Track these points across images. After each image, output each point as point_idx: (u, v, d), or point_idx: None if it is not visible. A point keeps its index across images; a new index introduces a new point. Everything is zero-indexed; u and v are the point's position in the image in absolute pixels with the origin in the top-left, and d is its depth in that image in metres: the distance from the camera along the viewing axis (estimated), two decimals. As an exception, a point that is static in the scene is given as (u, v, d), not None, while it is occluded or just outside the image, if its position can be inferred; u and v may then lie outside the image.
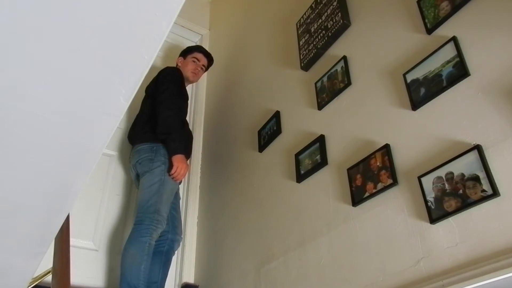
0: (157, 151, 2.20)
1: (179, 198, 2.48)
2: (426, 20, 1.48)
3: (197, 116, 2.97)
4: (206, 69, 2.80)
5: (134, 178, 2.32)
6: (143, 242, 1.98)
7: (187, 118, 2.69)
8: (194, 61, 2.66)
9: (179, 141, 2.22)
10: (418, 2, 1.54)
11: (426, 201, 1.26)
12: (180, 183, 2.37)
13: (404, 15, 1.61)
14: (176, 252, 2.30)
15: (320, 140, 1.78)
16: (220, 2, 3.53)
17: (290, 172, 1.91)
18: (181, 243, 2.35)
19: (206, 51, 2.78)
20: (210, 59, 2.77)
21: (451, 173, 1.21)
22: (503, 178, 1.10)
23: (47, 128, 0.84)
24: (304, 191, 1.80)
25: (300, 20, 2.22)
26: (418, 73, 1.44)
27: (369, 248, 1.40)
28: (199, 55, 2.71)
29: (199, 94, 3.11)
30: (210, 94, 3.10)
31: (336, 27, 1.90)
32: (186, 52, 2.72)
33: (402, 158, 1.40)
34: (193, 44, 3.41)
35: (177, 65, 2.69)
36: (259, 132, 2.25)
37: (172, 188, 2.21)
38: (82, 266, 2.13)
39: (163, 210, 2.10)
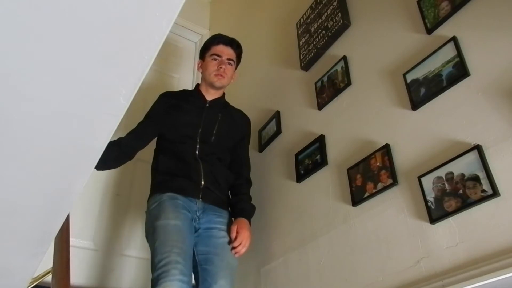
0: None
1: (220, 246, 1.65)
2: (426, 20, 1.48)
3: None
4: (237, 62, 2.02)
5: None
6: None
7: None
8: (214, 59, 1.91)
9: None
10: (418, 2, 1.54)
11: (426, 201, 1.26)
12: (189, 217, 1.64)
13: (404, 15, 1.61)
14: None
15: (320, 140, 1.78)
16: (220, 2, 3.53)
17: (290, 172, 1.91)
18: None
19: (227, 38, 1.98)
20: (236, 45, 1.99)
21: (451, 173, 1.21)
22: (503, 178, 1.10)
23: (47, 128, 0.84)
24: (304, 191, 1.80)
25: (300, 20, 2.22)
26: (418, 73, 1.44)
27: (369, 248, 1.40)
28: (219, 48, 1.93)
29: (199, 94, 3.10)
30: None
31: (336, 27, 1.90)
32: (203, 51, 1.99)
33: (402, 158, 1.40)
34: (193, 44, 3.40)
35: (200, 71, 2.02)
36: (259, 132, 2.25)
37: (163, 224, 1.56)
38: (82, 266, 2.13)
39: (164, 253, 1.48)
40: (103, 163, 1.62)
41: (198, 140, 1.80)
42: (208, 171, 1.76)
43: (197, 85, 2.01)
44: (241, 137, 1.96)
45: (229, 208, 1.81)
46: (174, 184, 1.71)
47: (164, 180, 1.74)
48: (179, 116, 1.86)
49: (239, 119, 2.00)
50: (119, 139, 1.77)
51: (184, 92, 2.07)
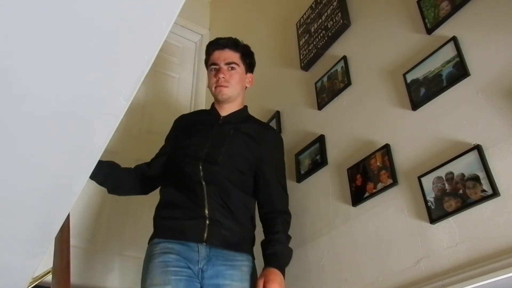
0: None
1: None
2: (426, 20, 1.48)
3: (197, 116, 2.95)
4: (247, 62, 1.72)
5: None
6: None
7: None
8: (212, 70, 1.67)
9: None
10: (418, 2, 1.54)
11: (426, 201, 1.26)
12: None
13: (404, 15, 1.61)
14: None
15: (320, 140, 1.78)
16: (220, 2, 3.53)
17: (290, 172, 1.91)
18: None
19: (222, 41, 1.70)
20: (234, 45, 1.70)
21: (451, 173, 1.21)
22: (503, 178, 1.10)
23: (47, 128, 0.84)
24: (304, 191, 1.80)
25: (300, 20, 2.22)
26: (418, 73, 1.44)
27: (369, 248, 1.40)
28: (214, 56, 1.67)
29: (199, 94, 3.10)
30: (211, 94, 3.09)
31: (336, 27, 1.90)
32: (205, 64, 1.75)
33: (402, 158, 1.40)
34: (193, 44, 3.40)
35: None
36: (259, 132, 2.25)
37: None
38: (82, 266, 2.13)
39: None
40: (114, 185, 1.67)
41: (202, 160, 1.50)
42: (215, 195, 1.43)
43: (213, 103, 1.74)
44: (262, 156, 1.57)
45: (252, 246, 1.47)
46: (171, 225, 1.43)
47: (161, 217, 1.49)
48: (187, 137, 1.61)
49: (260, 134, 1.61)
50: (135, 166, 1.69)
51: (200, 111, 1.89)
